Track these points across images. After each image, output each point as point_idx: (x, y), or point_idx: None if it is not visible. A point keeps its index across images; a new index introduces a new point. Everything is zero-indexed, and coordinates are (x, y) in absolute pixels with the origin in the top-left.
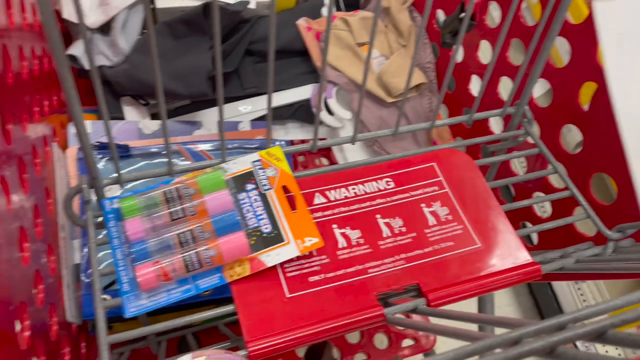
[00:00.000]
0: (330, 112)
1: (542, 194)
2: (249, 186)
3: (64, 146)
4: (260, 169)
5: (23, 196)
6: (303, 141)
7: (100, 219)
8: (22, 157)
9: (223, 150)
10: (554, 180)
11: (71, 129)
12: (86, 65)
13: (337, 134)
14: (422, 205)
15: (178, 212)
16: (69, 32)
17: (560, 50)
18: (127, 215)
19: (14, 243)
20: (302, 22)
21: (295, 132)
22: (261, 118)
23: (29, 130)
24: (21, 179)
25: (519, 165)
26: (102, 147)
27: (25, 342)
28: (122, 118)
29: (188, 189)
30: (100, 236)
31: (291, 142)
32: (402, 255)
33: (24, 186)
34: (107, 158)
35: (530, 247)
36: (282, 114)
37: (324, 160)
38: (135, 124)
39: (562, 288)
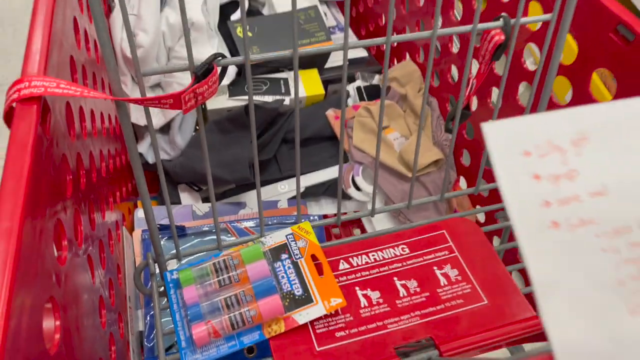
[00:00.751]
0: (357, 188)
1: None
2: (284, 256)
3: (130, 229)
4: (292, 241)
5: (102, 272)
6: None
7: (162, 288)
8: (101, 240)
9: (262, 227)
10: None
11: (137, 214)
12: (149, 160)
13: (365, 206)
14: (435, 267)
15: (225, 280)
16: (134, 132)
17: None
18: (185, 284)
19: (96, 311)
20: (330, 112)
21: (327, 207)
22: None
23: (106, 217)
24: (101, 258)
25: None
26: (163, 228)
27: None
28: (179, 202)
29: (233, 260)
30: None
31: (324, 216)
32: (417, 312)
33: (102, 264)
34: (166, 237)
35: None
36: (315, 192)
37: (356, 231)
38: (189, 207)
39: None
